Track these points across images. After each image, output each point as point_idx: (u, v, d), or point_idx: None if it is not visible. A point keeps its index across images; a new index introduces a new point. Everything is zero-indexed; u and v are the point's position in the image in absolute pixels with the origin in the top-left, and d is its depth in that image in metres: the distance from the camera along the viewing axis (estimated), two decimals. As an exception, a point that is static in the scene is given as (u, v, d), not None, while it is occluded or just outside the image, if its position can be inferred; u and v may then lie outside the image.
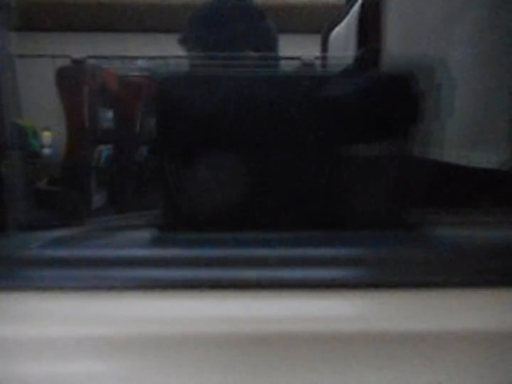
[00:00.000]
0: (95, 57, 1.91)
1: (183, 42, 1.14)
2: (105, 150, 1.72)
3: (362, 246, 0.46)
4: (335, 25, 1.20)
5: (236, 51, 1.08)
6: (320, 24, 1.33)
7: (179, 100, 0.50)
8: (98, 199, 1.64)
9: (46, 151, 2.41)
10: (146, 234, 0.51)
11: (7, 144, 0.51)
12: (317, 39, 1.34)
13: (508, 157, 0.62)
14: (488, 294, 0.41)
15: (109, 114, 1.80)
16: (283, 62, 1.29)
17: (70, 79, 1.69)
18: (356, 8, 1.01)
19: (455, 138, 0.65)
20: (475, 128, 0.65)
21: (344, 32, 1.12)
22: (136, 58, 2.17)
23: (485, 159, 0.63)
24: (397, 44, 0.76)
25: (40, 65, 1.91)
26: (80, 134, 1.67)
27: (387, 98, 0.51)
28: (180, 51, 1.16)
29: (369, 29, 0.91)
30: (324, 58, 1.33)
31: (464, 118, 0.65)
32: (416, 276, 0.42)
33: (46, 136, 2.44)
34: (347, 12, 1.09)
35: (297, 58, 1.55)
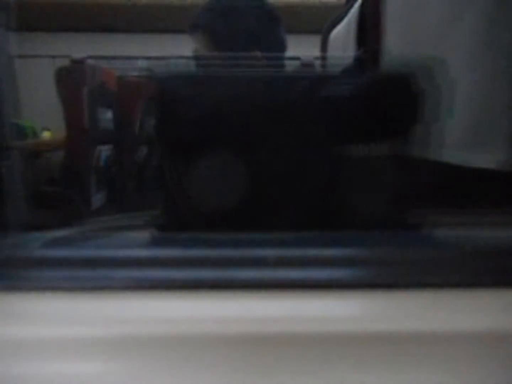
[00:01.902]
0: (95, 57, 1.91)
1: (194, 27, 1.12)
2: (104, 151, 1.72)
3: (362, 246, 0.46)
4: (335, 25, 1.20)
5: (244, 49, 1.07)
6: (320, 24, 1.32)
7: (178, 100, 0.50)
8: (97, 199, 1.64)
9: (46, 151, 2.41)
10: (146, 234, 0.51)
11: (7, 144, 0.51)
12: (317, 39, 1.34)
13: (507, 158, 0.62)
14: (488, 294, 0.41)
15: (109, 114, 1.80)
16: (282, 63, 1.29)
17: (70, 79, 1.69)
18: (356, 8, 1.01)
19: (455, 138, 0.65)
20: (474, 128, 0.65)
21: (344, 32, 1.12)
22: (136, 58, 2.17)
23: (484, 159, 0.63)
24: (397, 44, 0.76)
25: (40, 65, 1.91)
26: (80, 135, 1.67)
27: (387, 98, 0.51)
28: (180, 52, 1.16)
29: (369, 29, 0.91)
30: (324, 58, 1.33)
31: (464, 118, 0.65)
32: (416, 276, 0.42)
33: (46, 136, 2.44)
34: (347, 12, 1.09)
35: (297, 58, 1.55)
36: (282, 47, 1.17)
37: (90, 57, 1.80)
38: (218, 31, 1.09)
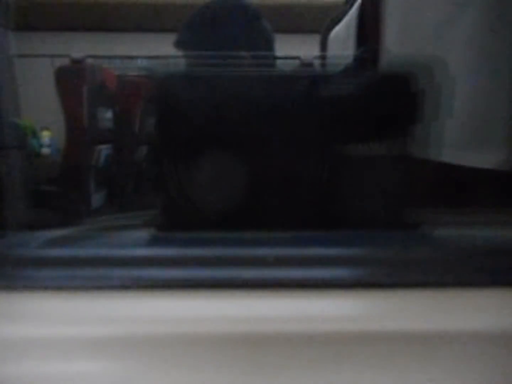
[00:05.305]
0: (94, 56, 1.91)
1: (179, 44, 1.15)
2: (104, 150, 1.72)
3: (362, 246, 0.46)
4: (335, 25, 1.20)
5: (231, 53, 1.09)
6: (320, 24, 1.33)
7: (177, 99, 0.50)
8: (97, 199, 1.64)
9: (45, 150, 2.41)
10: (145, 234, 0.51)
11: (6, 143, 0.51)
12: (316, 39, 1.34)
13: (507, 158, 0.62)
14: (488, 294, 0.41)
15: (108, 113, 1.80)
16: (282, 62, 1.29)
17: (69, 79, 1.69)
18: (355, 7, 1.01)
19: (454, 138, 0.65)
20: (474, 128, 0.65)
21: (343, 32, 1.12)
22: (136, 58, 2.17)
23: (484, 159, 0.63)
24: (397, 44, 0.76)
25: (39, 65, 1.91)
26: (79, 134, 1.67)
27: (386, 98, 0.51)
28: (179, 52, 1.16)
29: (369, 28, 0.91)
30: (323, 57, 1.33)
31: (463, 118, 0.65)
32: (416, 276, 0.42)
33: (45, 135, 2.44)
34: (346, 12, 1.09)
35: (297, 58, 1.55)
36: (267, 39, 1.18)
37: (90, 56, 1.80)
38: (200, 46, 1.11)
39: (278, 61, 1.33)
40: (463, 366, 0.39)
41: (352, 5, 1.06)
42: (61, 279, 0.42)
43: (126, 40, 2.36)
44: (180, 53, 1.14)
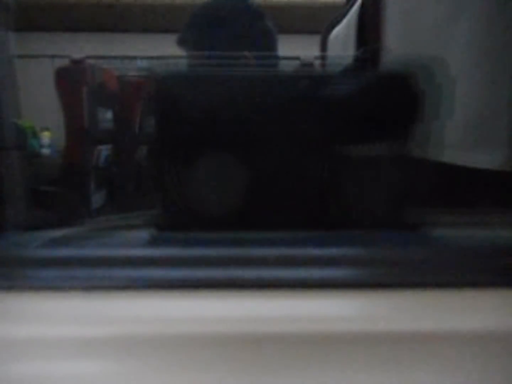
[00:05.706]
0: (94, 57, 1.91)
1: (181, 43, 1.15)
2: (104, 150, 1.72)
3: (362, 246, 0.46)
4: (335, 25, 1.20)
5: (234, 52, 1.09)
6: (320, 24, 1.33)
7: (176, 99, 0.50)
8: (96, 199, 1.64)
9: (45, 151, 2.41)
10: (145, 234, 0.51)
11: (6, 144, 0.51)
12: (317, 39, 1.34)
13: (508, 158, 0.62)
14: (488, 294, 0.41)
15: (108, 114, 1.80)
16: (282, 63, 1.29)
17: (69, 80, 1.69)
18: (356, 8, 1.01)
19: (456, 138, 0.65)
20: (475, 129, 0.65)
21: (344, 32, 1.12)
22: (136, 58, 2.17)
23: (485, 160, 0.63)
24: (397, 44, 0.76)
25: (39, 65, 1.91)
26: (79, 135, 1.67)
27: (387, 98, 0.51)
28: (180, 51, 1.16)
29: (369, 28, 0.91)
30: (323, 58, 1.33)
31: (464, 118, 0.65)
32: (416, 276, 0.42)
33: (45, 136, 2.44)
34: (347, 12, 1.09)
35: (297, 58, 1.55)
36: (270, 39, 1.18)
37: (90, 57, 1.80)
38: (204, 45, 1.11)
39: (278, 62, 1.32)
40: (463, 366, 0.39)
41: (352, 5, 1.06)
42: (61, 279, 0.42)
43: (126, 41, 2.36)
44: (181, 51, 1.13)
